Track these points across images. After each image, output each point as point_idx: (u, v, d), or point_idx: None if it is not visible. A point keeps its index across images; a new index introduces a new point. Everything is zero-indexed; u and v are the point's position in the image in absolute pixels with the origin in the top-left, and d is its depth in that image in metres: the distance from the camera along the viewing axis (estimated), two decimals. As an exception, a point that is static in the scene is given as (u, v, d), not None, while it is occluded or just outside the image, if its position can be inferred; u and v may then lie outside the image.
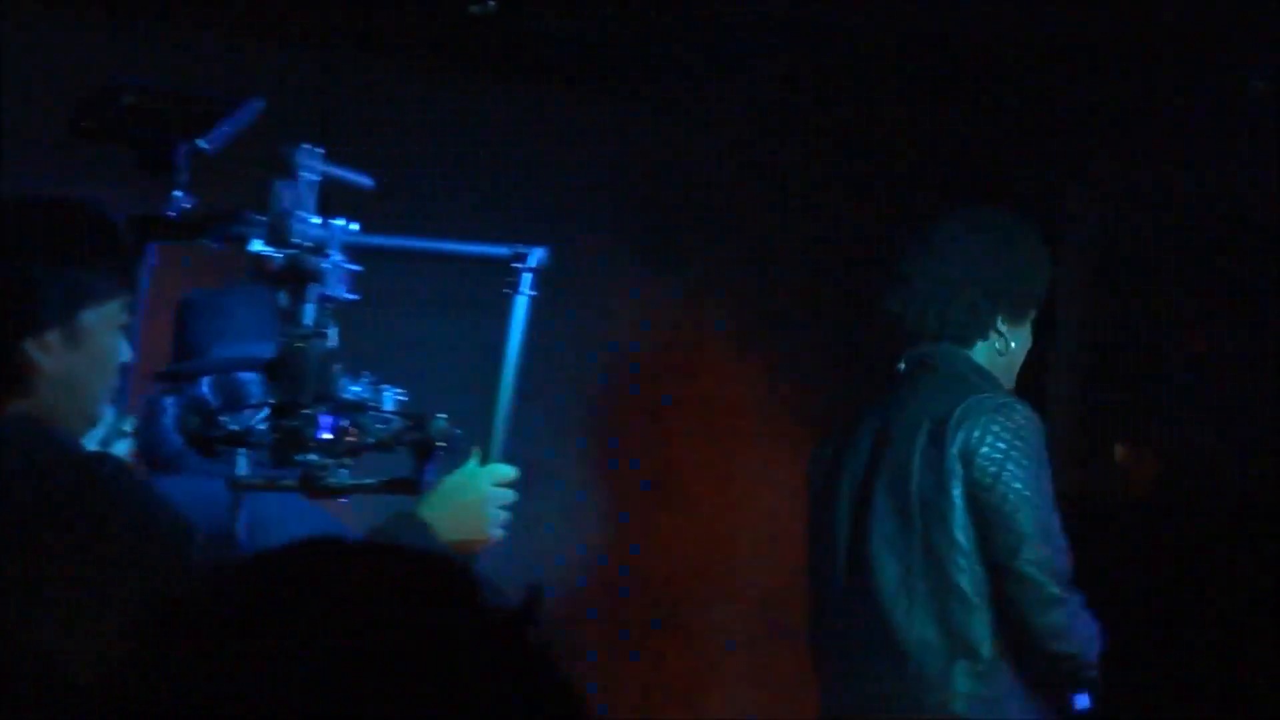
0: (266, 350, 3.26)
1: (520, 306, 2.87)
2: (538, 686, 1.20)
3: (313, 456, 2.78)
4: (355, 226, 2.90)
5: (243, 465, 2.79)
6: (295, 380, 2.74)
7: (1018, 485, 3.59)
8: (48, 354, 2.59)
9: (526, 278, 2.87)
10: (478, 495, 2.81)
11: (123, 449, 2.85)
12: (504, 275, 2.88)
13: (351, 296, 2.89)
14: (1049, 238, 4.06)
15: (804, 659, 4.86)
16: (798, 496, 4.85)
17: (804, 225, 5.00)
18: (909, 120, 4.95)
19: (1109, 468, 5.45)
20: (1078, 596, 3.66)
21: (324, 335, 2.79)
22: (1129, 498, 5.43)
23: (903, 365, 3.81)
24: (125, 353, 2.72)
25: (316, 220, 2.84)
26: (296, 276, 2.80)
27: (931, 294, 3.77)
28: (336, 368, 2.77)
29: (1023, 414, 3.64)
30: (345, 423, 2.79)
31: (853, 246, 5.06)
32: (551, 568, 4.68)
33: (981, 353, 3.78)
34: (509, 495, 2.85)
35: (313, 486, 2.79)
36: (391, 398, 2.84)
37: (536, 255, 2.87)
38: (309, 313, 2.80)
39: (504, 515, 2.84)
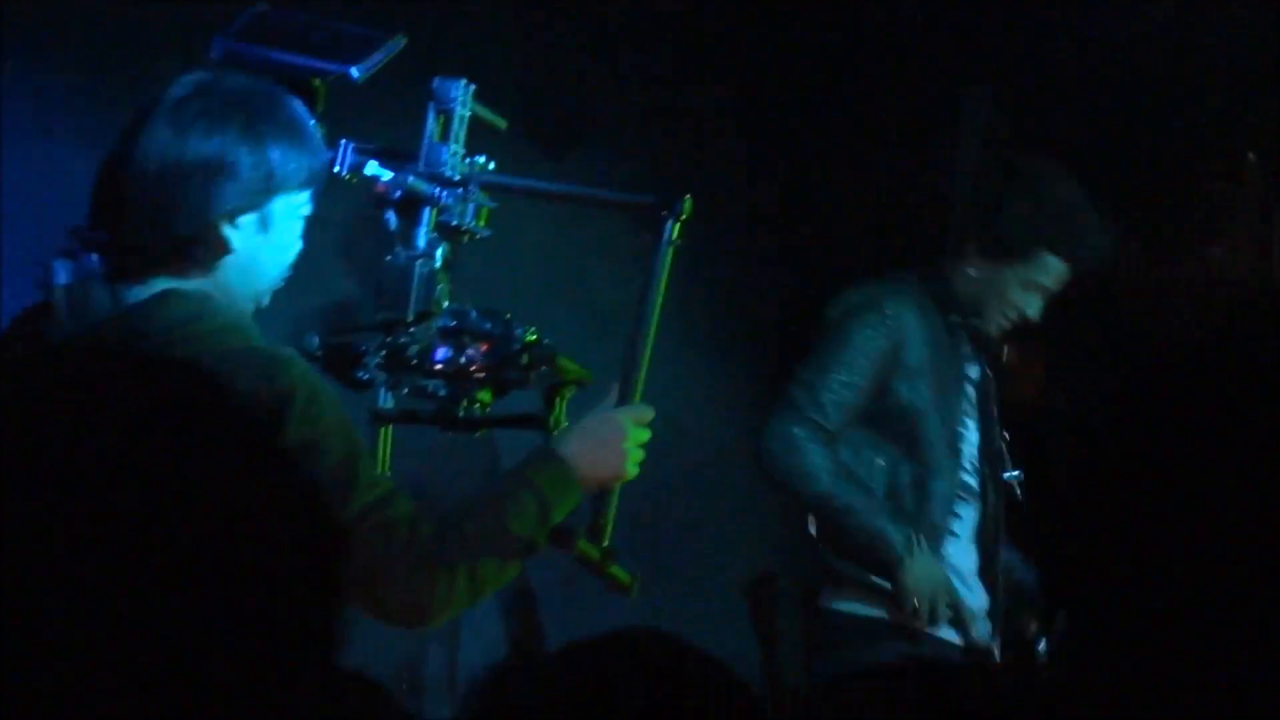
0: None
1: (664, 253, 2.89)
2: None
3: (432, 384, 2.82)
4: (492, 165, 2.94)
5: (384, 397, 2.82)
6: (400, 299, 2.80)
7: None
8: (239, 234, 2.63)
9: (671, 225, 2.89)
10: (617, 433, 2.83)
11: None
12: (649, 222, 2.90)
13: (484, 232, 2.93)
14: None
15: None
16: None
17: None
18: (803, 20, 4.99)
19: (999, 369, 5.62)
20: None
21: (431, 257, 2.84)
22: (1017, 398, 5.57)
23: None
24: (300, 245, 2.74)
25: (457, 153, 2.88)
26: (411, 201, 2.87)
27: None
28: (441, 287, 2.83)
29: None
30: (470, 353, 2.83)
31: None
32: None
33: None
34: (646, 434, 2.88)
35: (446, 419, 2.83)
36: (520, 334, 2.86)
37: (682, 204, 2.89)
38: (421, 236, 2.86)
39: (640, 454, 2.87)
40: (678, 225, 2.88)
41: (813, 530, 4.25)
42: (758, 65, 5.21)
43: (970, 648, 4.18)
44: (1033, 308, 4.26)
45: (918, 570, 4.08)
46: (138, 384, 2.44)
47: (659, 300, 2.91)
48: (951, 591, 4.12)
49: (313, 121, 2.72)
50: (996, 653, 4.27)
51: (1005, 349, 5.56)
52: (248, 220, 2.63)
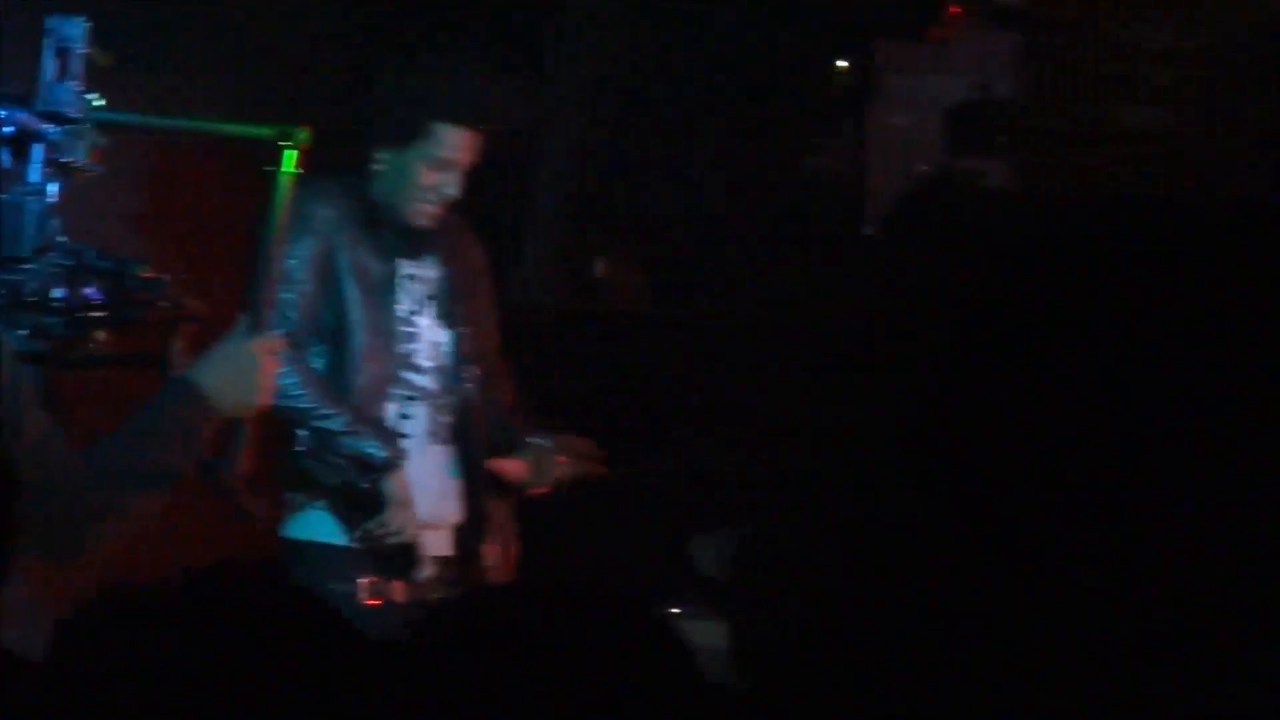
0: None
1: (283, 183, 2.96)
2: None
3: (50, 321, 2.82)
4: (102, 101, 2.93)
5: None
6: (14, 236, 2.80)
7: None
8: None
9: (289, 155, 2.96)
10: (250, 363, 2.87)
11: None
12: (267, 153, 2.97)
13: (94, 168, 2.92)
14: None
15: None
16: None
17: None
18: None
19: (593, 282, 5.64)
20: None
21: (44, 193, 2.84)
22: (614, 309, 5.67)
23: None
24: None
25: (74, 90, 2.87)
26: (24, 138, 2.85)
27: None
28: (55, 223, 2.82)
29: None
30: (87, 291, 2.83)
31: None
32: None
33: None
34: (277, 362, 2.95)
35: (65, 359, 2.83)
36: (136, 271, 2.88)
37: (300, 134, 2.97)
38: (33, 171, 2.85)
39: (272, 382, 2.92)
40: (294, 154, 2.96)
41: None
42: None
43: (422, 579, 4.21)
44: (450, 186, 4.22)
45: (399, 482, 4.13)
46: None
47: (281, 228, 2.98)
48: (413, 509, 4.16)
49: None
50: (473, 561, 4.31)
51: (598, 262, 5.62)
52: None
